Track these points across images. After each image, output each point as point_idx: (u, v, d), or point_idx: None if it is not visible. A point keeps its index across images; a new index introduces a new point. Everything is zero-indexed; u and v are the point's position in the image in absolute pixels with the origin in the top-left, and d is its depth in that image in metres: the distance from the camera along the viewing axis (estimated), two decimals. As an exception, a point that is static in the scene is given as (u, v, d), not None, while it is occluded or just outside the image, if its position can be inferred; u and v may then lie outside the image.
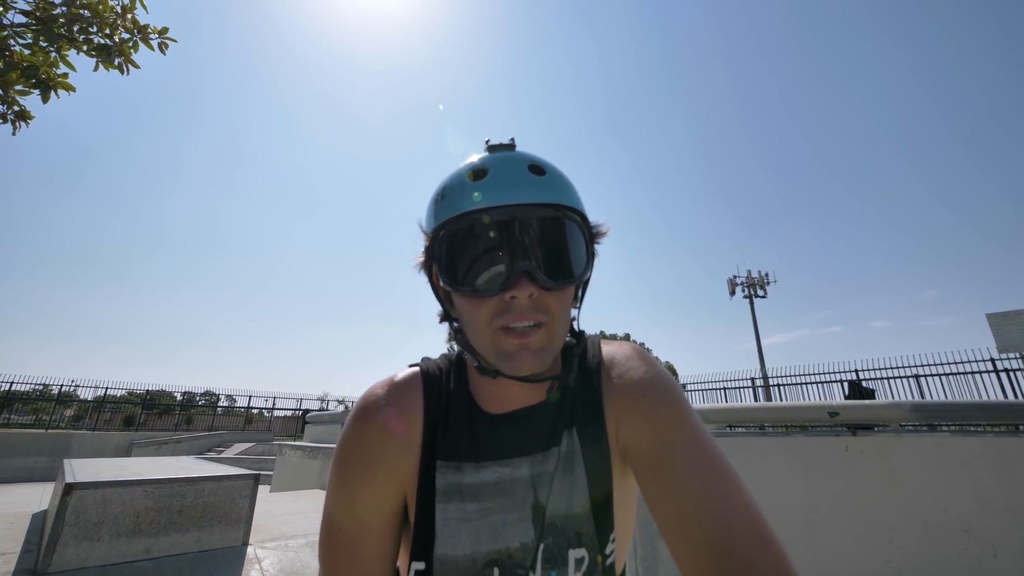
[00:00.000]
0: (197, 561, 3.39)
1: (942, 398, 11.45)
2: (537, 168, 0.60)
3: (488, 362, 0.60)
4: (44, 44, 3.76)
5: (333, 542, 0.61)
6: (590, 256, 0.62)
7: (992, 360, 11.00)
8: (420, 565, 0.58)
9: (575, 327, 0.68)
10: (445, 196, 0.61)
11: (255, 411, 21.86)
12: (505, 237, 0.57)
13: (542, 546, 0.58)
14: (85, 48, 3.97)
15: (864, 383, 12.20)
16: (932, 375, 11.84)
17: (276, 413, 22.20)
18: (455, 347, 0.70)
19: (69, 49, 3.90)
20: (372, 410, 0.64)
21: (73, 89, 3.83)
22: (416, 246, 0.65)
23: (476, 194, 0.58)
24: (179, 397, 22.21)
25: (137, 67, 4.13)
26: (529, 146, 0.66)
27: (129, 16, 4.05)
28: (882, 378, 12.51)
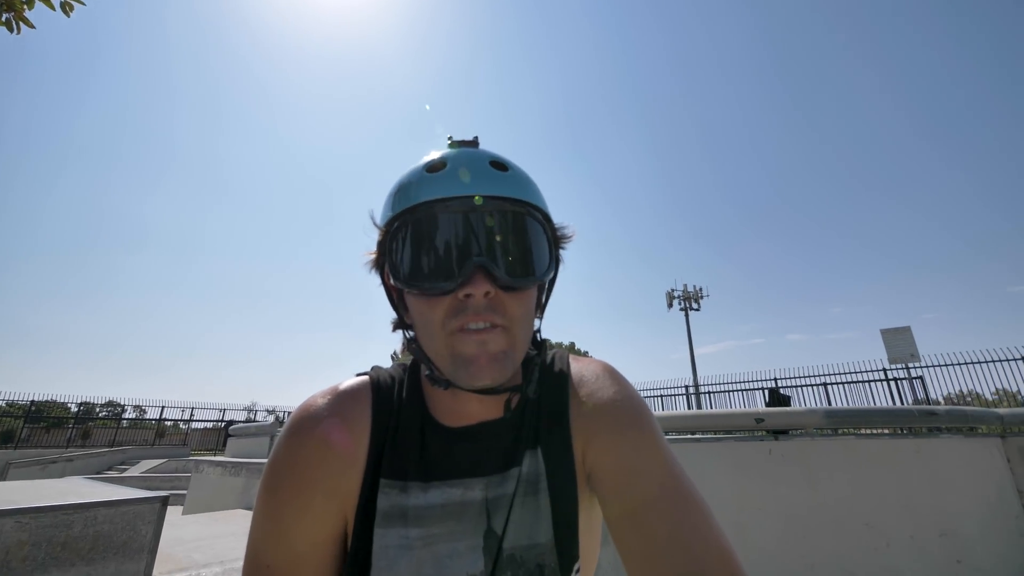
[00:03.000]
0: (87, 598, 2.97)
1: (844, 404, 12.78)
2: (499, 164, 0.56)
3: (441, 371, 0.54)
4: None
5: None
6: (553, 258, 0.58)
7: (884, 370, 12.43)
8: None
9: (538, 337, 0.64)
10: (400, 189, 0.56)
11: (168, 423, 19.93)
12: (461, 230, 0.52)
13: None
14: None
15: (782, 390, 13.32)
16: (837, 383, 13.18)
17: (194, 425, 20.38)
18: (397, 356, 0.64)
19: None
20: (311, 422, 0.55)
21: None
22: (368, 242, 0.59)
23: (433, 185, 0.53)
24: (74, 408, 19.61)
25: (30, 25, 3.68)
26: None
27: None
28: (797, 385, 13.75)
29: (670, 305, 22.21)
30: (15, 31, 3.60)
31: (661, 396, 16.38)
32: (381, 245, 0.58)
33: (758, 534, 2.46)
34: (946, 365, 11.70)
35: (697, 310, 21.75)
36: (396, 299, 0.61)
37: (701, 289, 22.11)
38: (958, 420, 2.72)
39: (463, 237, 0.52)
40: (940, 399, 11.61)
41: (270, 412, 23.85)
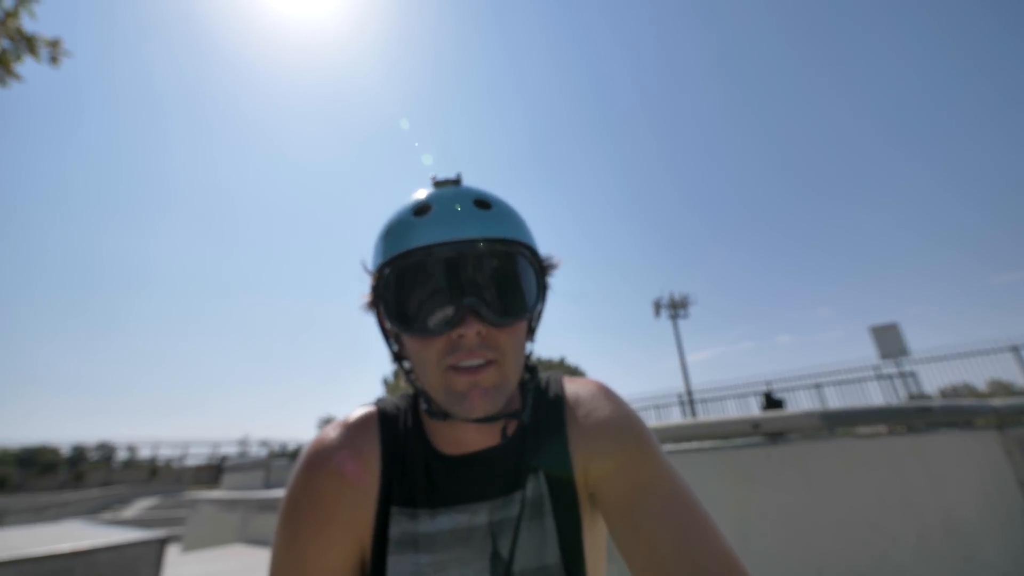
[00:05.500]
0: (88, 648, 2.89)
1: (837, 404, 12.82)
2: (483, 202, 0.58)
3: (438, 404, 0.57)
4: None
5: None
6: (541, 290, 0.60)
7: (876, 367, 12.48)
8: None
9: (529, 362, 0.65)
10: (389, 234, 0.58)
11: (162, 462, 19.48)
12: (451, 273, 0.55)
13: None
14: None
15: (775, 394, 13.32)
16: (830, 383, 13.18)
17: (188, 462, 19.92)
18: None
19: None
20: (325, 455, 0.58)
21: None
22: (363, 285, 0.62)
23: (420, 230, 0.55)
24: (66, 452, 19.17)
25: (19, 79, 3.78)
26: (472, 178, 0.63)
27: (12, 24, 3.69)
28: (790, 388, 13.72)
29: (657, 313, 22.07)
30: (5, 85, 3.70)
31: (656, 407, 16.24)
32: (374, 289, 0.60)
33: (762, 541, 2.45)
34: (937, 359, 11.70)
35: (685, 318, 21.65)
36: (392, 337, 0.63)
37: (688, 296, 22.06)
38: (954, 414, 2.74)
39: (452, 280, 0.55)
40: (934, 393, 11.64)
41: (263, 444, 23.38)
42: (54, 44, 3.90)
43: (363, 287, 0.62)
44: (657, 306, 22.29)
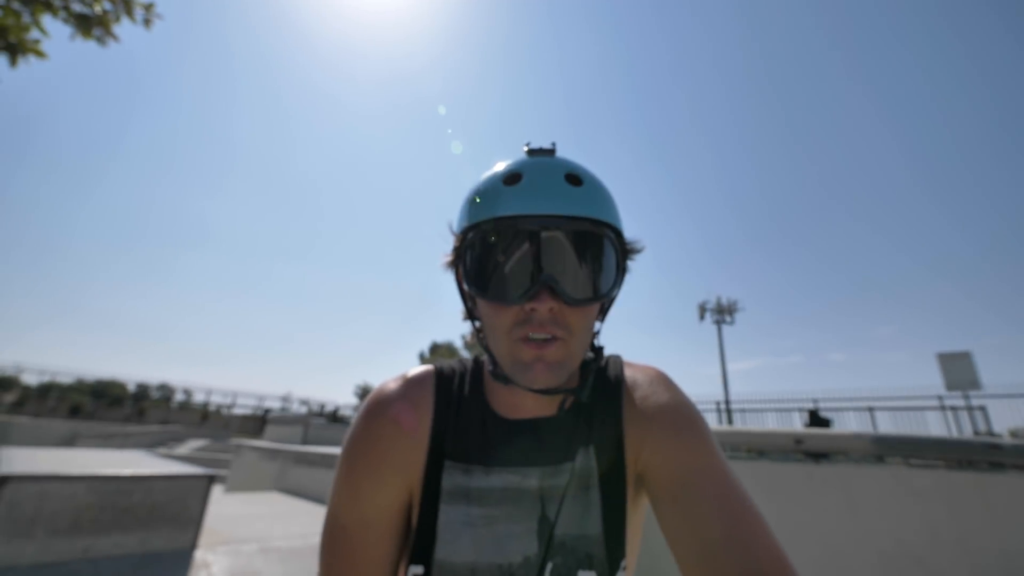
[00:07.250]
0: (140, 564, 3.20)
1: (892, 430, 12.00)
2: (574, 178, 0.58)
3: (502, 368, 0.59)
4: (17, 7, 3.63)
5: (334, 542, 0.59)
6: (620, 273, 0.60)
7: (940, 397, 11.60)
8: (418, 569, 0.56)
9: (595, 342, 0.66)
10: (478, 198, 0.59)
11: (213, 407, 21.08)
12: (532, 247, 0.55)
13: (550, 565, 0.56)
14: (63, 15, 3.87)
15: (822, 412, 12.65)
16: (884, 408, 12.37)
17: (236, 411, 21.44)
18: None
19: (44, 14, 3.78)
20: (383, 404, 0.62)
21: (45, 56, 3.71)
22: (445, 244, 0.64)
23: (508, 200, 0.56)
24: (132, 388, 21.21)
25: (116, 40, 4.08)
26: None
27: None
28: (838, 408, 13.00)
29: (702, 317, 21.31)
30: (104, 45, 4.02)
31: (694, 412, 15.78)
32: (456, 250, 0.62)
33: (796, 562, 2.35)
34: (1012, 396, 10.76)
35: (731, 324, 20.84)
36: (467, 297, 0.65)
37: (736, 302, 21.18)
38: (1026, 457, 2.53)
39: (533, 255, 0.55)
40: (1003, 433, 10.71)
41: (303, 403, 24.78)
42: (148, 7, 4.19)
43: (446, 245, 0.64)
44: (702, 310, 21.57)
